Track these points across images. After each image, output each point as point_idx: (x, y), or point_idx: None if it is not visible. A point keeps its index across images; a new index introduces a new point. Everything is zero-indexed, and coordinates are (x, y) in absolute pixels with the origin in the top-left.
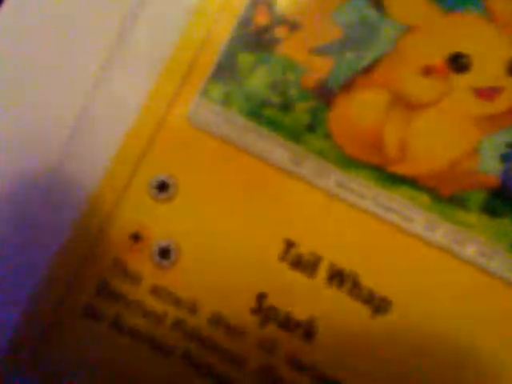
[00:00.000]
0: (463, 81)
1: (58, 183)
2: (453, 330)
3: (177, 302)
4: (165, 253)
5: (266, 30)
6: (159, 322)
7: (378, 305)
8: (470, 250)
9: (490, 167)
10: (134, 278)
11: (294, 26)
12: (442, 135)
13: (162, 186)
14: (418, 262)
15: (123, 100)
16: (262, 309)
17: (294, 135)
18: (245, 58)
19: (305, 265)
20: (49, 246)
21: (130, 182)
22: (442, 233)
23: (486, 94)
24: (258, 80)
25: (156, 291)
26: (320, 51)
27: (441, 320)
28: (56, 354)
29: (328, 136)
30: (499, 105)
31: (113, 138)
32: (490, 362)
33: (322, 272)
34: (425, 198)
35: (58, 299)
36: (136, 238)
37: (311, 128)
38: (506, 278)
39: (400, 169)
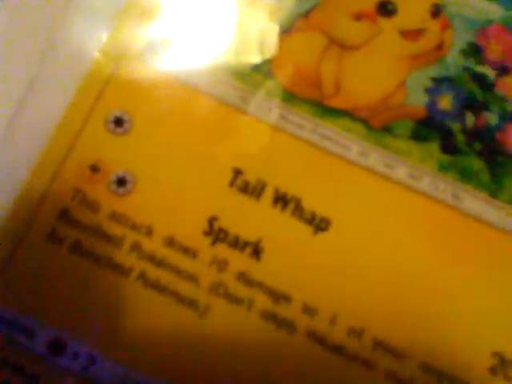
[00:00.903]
0: (390, 24)
1: (19, 119)
2: (385, 245)
3: (133, 226)
4: (121, 182)
5: None
6: (117, 245)
7: (319, 224)
8: (401, 173)
9: (417, 100)
10: (93, 206)
11: None
12: (373, 72)
13: (118, 121)
14: (354, 185)
15: (81, 46)
16: (213, 231)
17: (242, 75)
18: None
19: (251, 190)
20: (15, 174)
21: (88, 118)
22: (374, 158)
23: (411, 35)
24: None
25: (114, 217)
26: None
27: (374, 236)
28: (21, 275)
29: (272, 75)
30: (423, 44)
31: (72, 79)
32: (422, 277)
33: (267, 196)
34: (359, 128)
35: (24, 225)
36: (94, 169)
37: (256, 68)
38: (434, 196)
39: (335, 102)
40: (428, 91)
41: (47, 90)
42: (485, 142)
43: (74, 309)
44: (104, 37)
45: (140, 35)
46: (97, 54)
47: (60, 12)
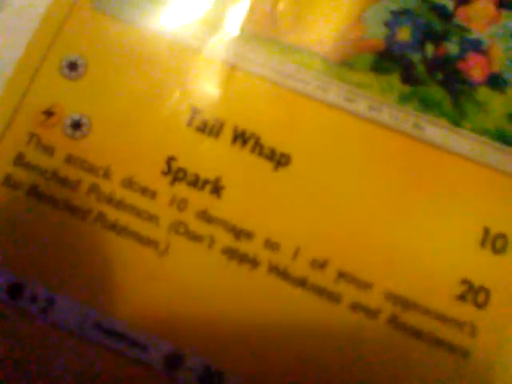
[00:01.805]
0: None
1: None
2: (346, 177)
3: (90, 169)
4: (77, 125)
5: None
6: (74, 188)
7: (279, 160)
8: (361, 106)
9: (376, 33)
10: (48, 150)
11: None
12: (329, 7)
13: (73, 66)
14: (314, 120)
15: None
16: (172, 170)
17: (198, 16)
18: None
19: (210, 129)
20: None
21: (42, 63)
22: (334, 92)
23: None
24: None
25: (70, 160)
26: None
27: (336, 169)
28: None
29: (227, 14)
30: None
31: (27, 23)
32: (384, 207)
33: (226, 135)
34: (317, 63)
35: None
36: (49, 113)
37: (213, 9)
38: (395, 127)
39: (293, 39)
40: (387, 24)
41: (1, 36)
42: (446, 71)
43: (32, 252)
44: None
45: None
46: (49, 2)
47: None
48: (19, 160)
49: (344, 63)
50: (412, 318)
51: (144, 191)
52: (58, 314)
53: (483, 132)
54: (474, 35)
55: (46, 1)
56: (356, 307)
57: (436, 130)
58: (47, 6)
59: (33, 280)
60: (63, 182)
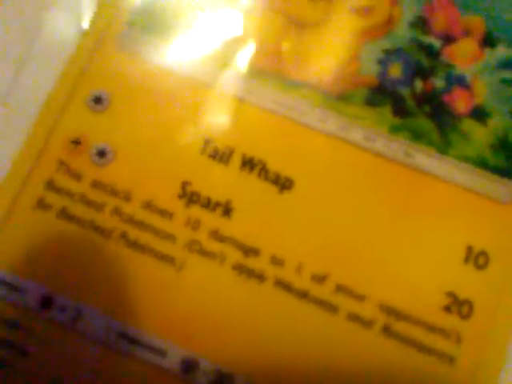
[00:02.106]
0: (343, 2)
1: (10, 99)
2: (343, 200)
3: (113, 192)
4: (102, 153)
5: None
6: (99, 210)
7: (283, 184)
8: (357, 136)
9: (370, 70)
10: (76, 176)
11: None
12: (329, 47)
13: (98, 100)
14: (314, 148)
15: (64, 33)
16: (187, 194)
17: (211, 54)
18: None
19: (220, 156)
20: (5, 149)
21: (71, 97)
22: (332, 123)
23: (362, 11)
24: (174, 11)
25: (96, 185)
26: None
27: (333, 192)
28: (14, 240)
29: (238, 53)
30: (374, 20)
31: (57, 61)
32: (378, 227)
33: (235, 161)
34: (318, 97)
35: (13, 195)
36: (77, 142)
37: (224, 48)
38: (388, 155)
39: (296, 75)
40: (380, 62)
41: (35, 73)
42: (433, 105)
43: (62, 268)
44: (84, 24)
45: (117, 23)
46: (78, 41)
47: None
48: (50, 185)
49: (341, 97)
50: (403, 328)
51: (162, 213)
52: (86, 324)
53: (467, 159)
54: (458, 71)
55: (74, 40)
56: (352, 318)
57: (424, 158)
58: (75, 45)
59: (62, 293)
60: (89, 204)
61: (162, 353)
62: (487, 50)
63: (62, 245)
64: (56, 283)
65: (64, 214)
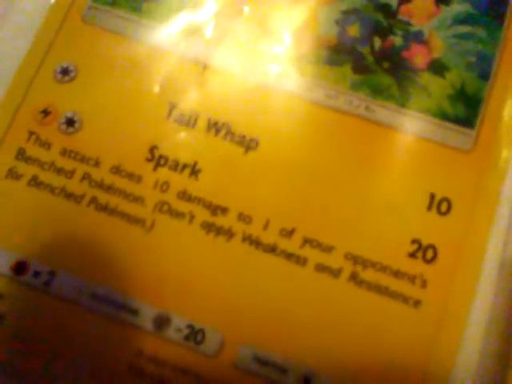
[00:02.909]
0: None
1: None
2: (307, 156)
3: (83, 159)
4: (70, 122)
5: None
6: (69, 177)
7: (248, 144)
8: (319, 94)
9: (328, 30)
10: (46, 144)
11: None
12: (287, 9)
13: (65, 71)
14: (278, 109)
15: (31, 9)
16: (155, 157)
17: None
18: None
19: (187, 120)
20: None
21: (39, 69)
22: (295, 84)
23: None
24: None
25: (65, 153)
26: None
27: (298, 150)
28: None
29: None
30: None
31: (25, 38)
32: (342, 180)
33: (201, 125)
34: (280, 58)
35: None
36: (46, 112)
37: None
38: (349, 111)
39: (258, 38)
40: (338, 22)
41: (3, 47)
42: (392, 61)
43: (34, 234)
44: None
45: None
46: (45, 15)
47: None
48: (20, 154)
49: (302, 58)
50: (370, 275)
51: (131, 176)
52: (59, 287)
53: (426, 111)
54: (415, 28)
55: (40, 16)
56: (320, 268)
57: (385, 112)
58: (42, 19)
59: (35, 258)
60: (59, 172)
61: (134, 311)
62: (443, 7)
63: (34, 212)
64: (30, 249)
65: (35, 182)
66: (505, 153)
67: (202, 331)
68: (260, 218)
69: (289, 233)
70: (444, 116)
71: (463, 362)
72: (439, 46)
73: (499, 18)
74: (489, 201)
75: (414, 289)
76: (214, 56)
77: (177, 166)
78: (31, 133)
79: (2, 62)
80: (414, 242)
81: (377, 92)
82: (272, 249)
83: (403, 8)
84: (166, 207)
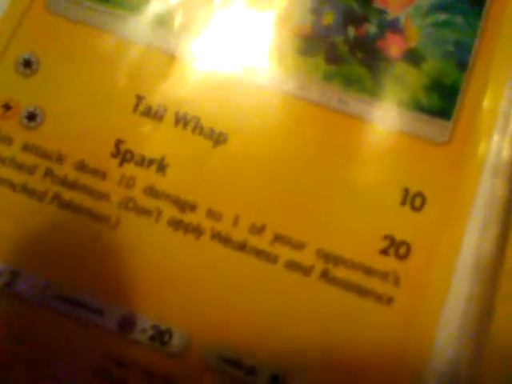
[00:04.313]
0: None
1: None
2: (277, 149)
3: (45, 155)
4: (32, 116)
5: None
6: (31, 173)
7: (217, 138)
8: (290, 85)
9: (303, 19)
10: (7, 139)
11: None
12: None
13: (27, 63)
14: (248, 101)
15: None
16: (120, 152)
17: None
18: None
19: (154, 114)
20: None
21: (0, 61)
22: (265, 75)
23: None
24: None
25: (26, 148)
26: None
27: (269, 143)
28: None
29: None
30: None
31: None
32: (312, 174)
33: (169, 118)
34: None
35: None
36: (7, 107)
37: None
38: (322, 103)
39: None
40: (312, 11)
41: None
42: (366, 51)
43: None
44: None
45: None
46: (6, 4)
47: None
48: None
49: (276, 48)
50: (341, 272)
51: (95, 172)
52: (21, 288)
53: (400, 103)
54: (391, 16)
55: (2, 4)
56: (291, 266)
57: (358, 104)
58: (4, 9)
59: None
60: (21, 168)
61: (98, 312)
62: None
63: None
64: None
65: None
66: (482, 145)
67: (168, 331)
68: (229, 214)
69: (259, 229)
70: (419, 107)
71: (437, 360)
72: (415, 34)
73: (478, 5)
74: (465, 196)
75: (386, 286)
76: (182, 47)
77: (143, 161)
78: None
79: None
80: (386, 237)
81: (350, 83)
82: (242, 246)
83: None
84: (131, 204)
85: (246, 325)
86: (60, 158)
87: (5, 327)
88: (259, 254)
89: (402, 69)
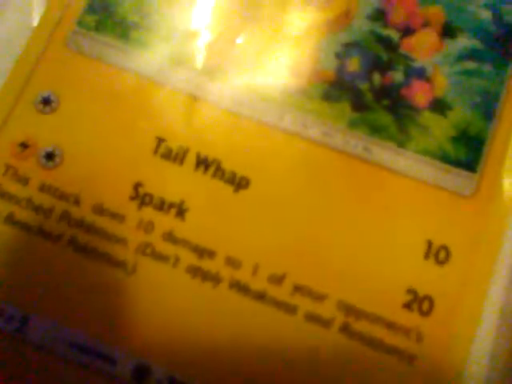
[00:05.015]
0: None
1: None
2: (301, 197)
3: (62, 196)
4: (50, 156)
5: None
6: (47, 215)
7: (239, 183)
8: (315, 132)
9: (328, 64)
10: (23, 180)
11: None
12: (286, 42)
13: (46, 101)
14: (271, 146)
15: (11, 33)
16: (139, 195)
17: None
18: None
19: (174, 156)
20: None
21: (18, 98)
22: (290, 120)
23: (320, 3)
24: (126, 8)
25: (43, 189)
26: None
27: (291, 190)
28: None
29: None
30: (331, 12)
31: (3, 64)
32: (337, 224)
33: (190, 161)
34: (275, 93)
35: None
36: (24, 145)
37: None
38: (346, 151)
39: (252, 71)
40: (338, 56)
41: None
42: (391, 98)
43: (7, 275)
44: (33, 22)
45: (66, 22)
46: (26, 40)
47: None
48: None
49: (300, 93)
50: (362, 326)
51: (113, 216)
52: (33, 334)
53: (426, 153)
54: (418, 63)
55: (22, 39)
56: (311, 318)
57: (383, 153)
58: (23, 45)
59: (7, 301)
60: (37, 209)
61: (112, 361)
62: (447, 41)
63: (9, 252)
64: (2, 291)
65: (10, 220)
66: (508, 199)
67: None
68: (249, 262)
69: (279, 279)
70: (445, 158)
71: None
72: (442, 83)
73: (507, 53)
74: (490, 249)
75: (408, 343)
76: (205, 88)
77: (163, 205)
78: (8, 167)
79: None
80: (409, 291)
81: (375, 131)
82: (261, 296)
83: (405, 41)
84: (149, 249)
85: (265, 377)
86: (77, 200)
87: (15, 374)
88: (278, 304)
89: (428, 118)
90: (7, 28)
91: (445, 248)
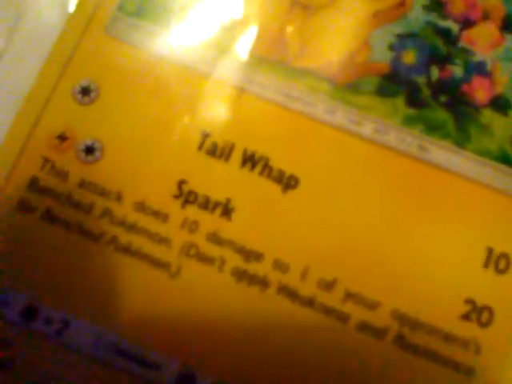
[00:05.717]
0: None
1: None
2: (353, 198)
3: (103, 193)
4: (89, 150)
5: None
6: (87, 212)
7: (288, 182)
8: (367, 129)
9: (381, 56)
10: (62, 174)
11: None
12: (337, 32)
13: (85, 91)
14: (321, 143)
15: (48, 18)
16: (183, 193)
17: (208, 40)
18: None
19: (220, 152)
20: None
21: (55, 88)
22: (340, 115)
23: None
24: None
25: (83, 185)
26: None
27: (342, 190)
28: None
29: (237, 38)
30: (385, 2)
31: (39, 51)
32: (391, 227)
33: (236, 158)
34: (324, 87)
35: None
36: (62, 138)
37: (222, 32)
38: (400, 149)
39: (301, 63)
40: (392, 47)
41: (15, 62)
42: (450, 94)
43: (46, 275)
44: (70, 7)
45: (105, 7)
46: (63, 26)
47: None
48: (33, 185)
49: (350, 86)
50: (418, 338)
51: (156, 214)
52: (73, 337)
53: (486, 153)
54: (478, 58)
55: (58, 26)
56: (363, 327)
57: (440, 152)
58: (60, 31)
59: (47, 302)
60: (76, 206)
61: (156, 366)
62: (507, 35)
63: (47, 250)
64: (40, 293)
65: (48, 217)
66: None
67: None
68: (297, 266)
69: (329, 284)
70: (506, 160)
71: None
72: (503, 79)
73: None
74: None
75: (466, 355)
76: (253, 79)
77: (207, 204)
78: (46, 160)
79: (14, 80)
80: (467, 302)
81: (432, 129)
82: (310, 302)
83: (465, 34)
84: (193, 250)
85: None
86: (119, 197)
87: (55, 379)
88: (329, 311)
89: (488, 116)
90: (42, 13)
91: (505, 256)
